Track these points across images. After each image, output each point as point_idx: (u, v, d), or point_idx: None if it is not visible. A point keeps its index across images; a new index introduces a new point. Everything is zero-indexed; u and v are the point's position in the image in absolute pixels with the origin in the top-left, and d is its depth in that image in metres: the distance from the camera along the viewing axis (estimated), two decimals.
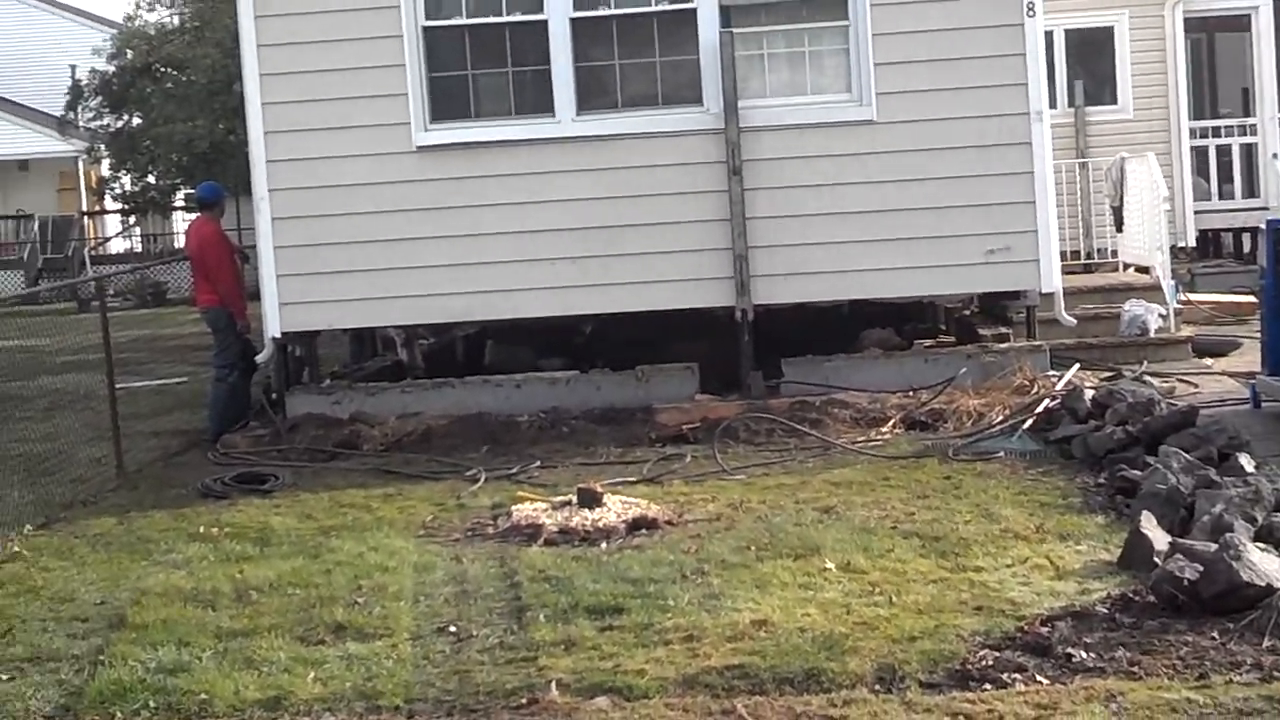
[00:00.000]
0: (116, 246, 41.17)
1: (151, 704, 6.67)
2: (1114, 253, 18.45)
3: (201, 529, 9.91)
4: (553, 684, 6.55)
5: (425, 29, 13.49)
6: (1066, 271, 14.87)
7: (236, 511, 10.49)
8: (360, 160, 13.42)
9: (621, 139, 13.42)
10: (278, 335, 13.57)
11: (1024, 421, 11.51)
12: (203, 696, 6.69)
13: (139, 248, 40.53)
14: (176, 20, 30.10)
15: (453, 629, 7.45)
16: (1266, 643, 6.41)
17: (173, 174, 30.05)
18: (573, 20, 13.41)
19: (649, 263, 13.32)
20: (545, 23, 13.43)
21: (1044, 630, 6.76)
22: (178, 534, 9.84)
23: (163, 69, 29.37)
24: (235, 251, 14.28)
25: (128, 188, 32.33)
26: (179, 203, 33.77)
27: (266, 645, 7.31)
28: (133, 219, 38.61)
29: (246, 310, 13.94)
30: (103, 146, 32.69)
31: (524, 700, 6.42)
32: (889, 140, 13.22)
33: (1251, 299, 16.42)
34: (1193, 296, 17.65)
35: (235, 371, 13.76)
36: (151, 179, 31.08)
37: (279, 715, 6.48)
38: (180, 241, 31.13)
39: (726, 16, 13.34)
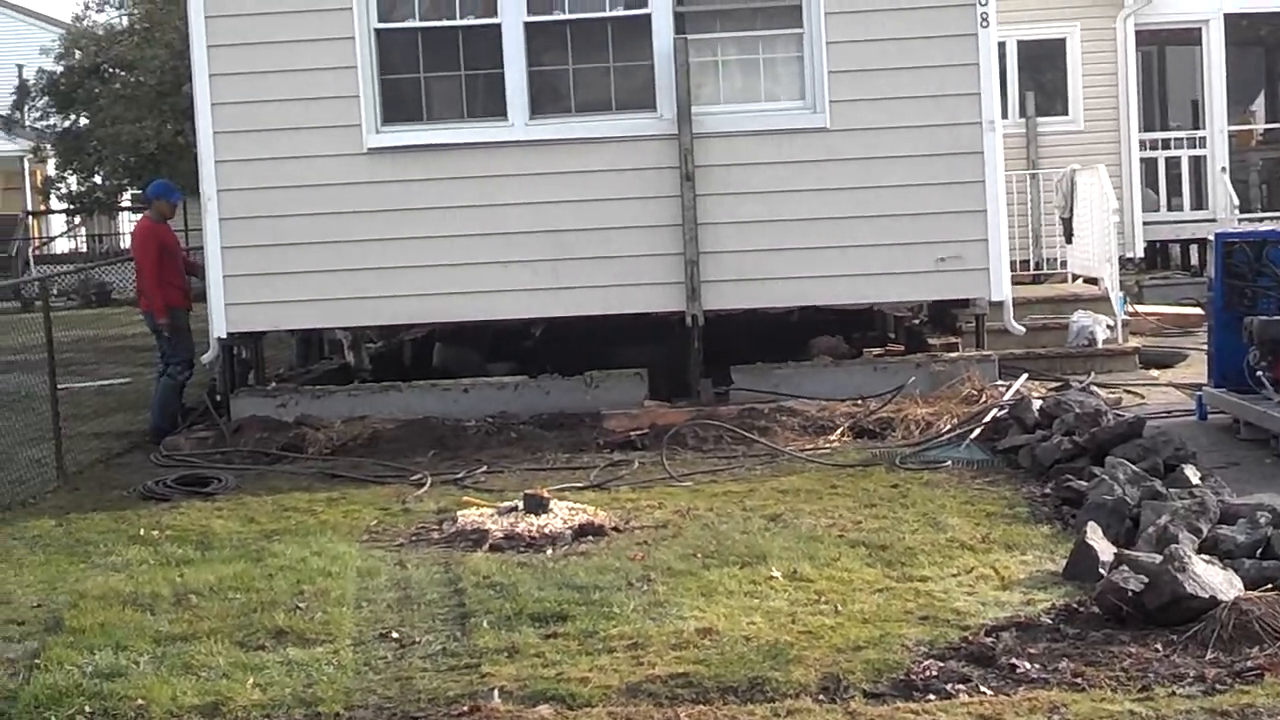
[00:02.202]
0: (61, 246, 40.82)
1: (88, 709, 6.56)
2: (1063, 263, 18.53)
3: (142, 531, 9.80)
4: (495, 692, 6.49)
5: (378, 31, 13.43)
6: (1016, 282, 14.93)
7: (178, 514, 10.38)
8: (310, 161, 13.34)
9: (574, 144, 13.38)
10: (223, 336, 13.47)
11: (971, 431, 11.52)
12: (140, 702, 6.59)
13: (84, 248, 40.20)
14: (126, 21, 29.93)
15: (395, 635, 7.37)
16: (1210, 654, 6.40)
17: (119, 174, 29.87)
18: (527, 24, 13.37)
19: (600, 267, 13.29)
20: (499, 26, 13.39)
21: (988, 640, 6.74)
22: (118, 536, 9.72)
23: (111, 70, 29.19)
24: (162, 250, 13.95)
25: (74, 188, 32.11)
26: (125, 203, 33.54)
27: (206, 650, 7.22)
28: (78, 219, 38.31)
29: (163, 309, 13.64)
30: (49, 146, 32.44)
31: (466, 708, 6.35)
32: (842, 148, 13.22)
33: (1198, 311, 16.54)
34: (1140, 308, 17.75)
35: (188, 370, 13.65)
36: (98, 179, 30.88)
37: None
38: (126, 242, 30.92)
39: (681, 23, 13.32)
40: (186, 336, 13.79)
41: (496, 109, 13.46)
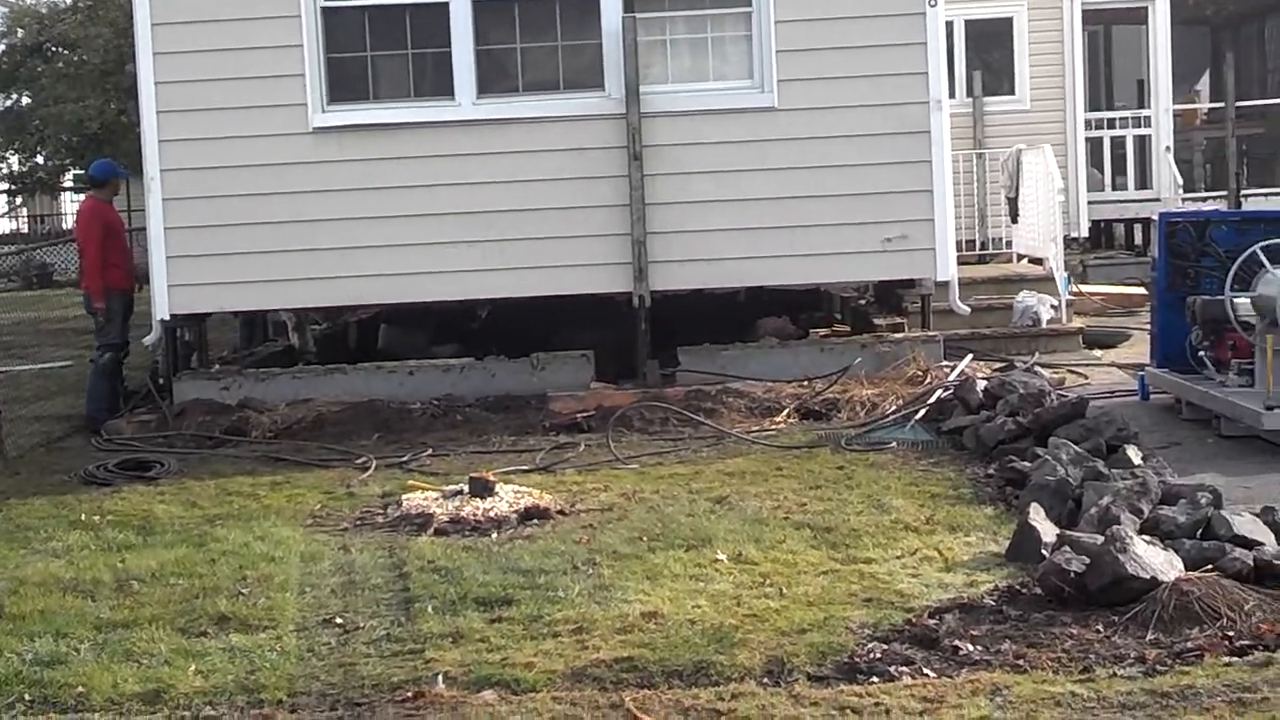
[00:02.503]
0: (2, 227, 40.42)
1: (27, 697, 6.49)
2: (1009, 243, 18.60)
3: (83, 517, 9.71)
4: (439, 677, 6.46)
5: (324, 9, 13.35)
6: (961, 262, 14.97)
7: (120, 499, 10.29)
8: (255, 141, 13.24)
9: (522, 123, 13.34)
10: (166, 318, 13.37)
11: (917, 412, 11.55)
12: (80, 689, 6.52)
13: (25, 229, 39.81)
14: (69, 0, 29.59)
15: (339, 621, 7.32)
16: (1150, 635, 6.44)
17: (62, 154, 29.61)
18: (474, 3, 13.30)
19: (548, 247, 13.25)
20: (446, 5, 13.32)
21: (932, 623, 6.76)
22: (58, 522, 9.62)
23: (54, 48, 28.89)
24: (107, 231, 13.75)
25: (15, 168, 31.78)
26: (67, 183, 33.25)
27: (147, 637, 7.15)
28: (19, 199, 37.91)
29: (101, 292, 13.50)
30: None
31: (410, 694, 6.31)
32: (789, 127, 13.23)
33: (1142, 291, 16.63)
34: (1084, 288, 17.85)
35: (116, 354, 13.51)
36: (40, 159, 30.59)
37: (158, 709, 6.33)
38: (68, 223, 30.63)
39: (629, 1, 13.26)
40: (119, 320, 13.59)
41: (444, 88, 13.40)
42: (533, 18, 13.42)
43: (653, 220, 13.17)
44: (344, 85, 13.44)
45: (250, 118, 13.21)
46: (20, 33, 29.28)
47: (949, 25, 17.57)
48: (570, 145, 13.29)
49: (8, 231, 39.79)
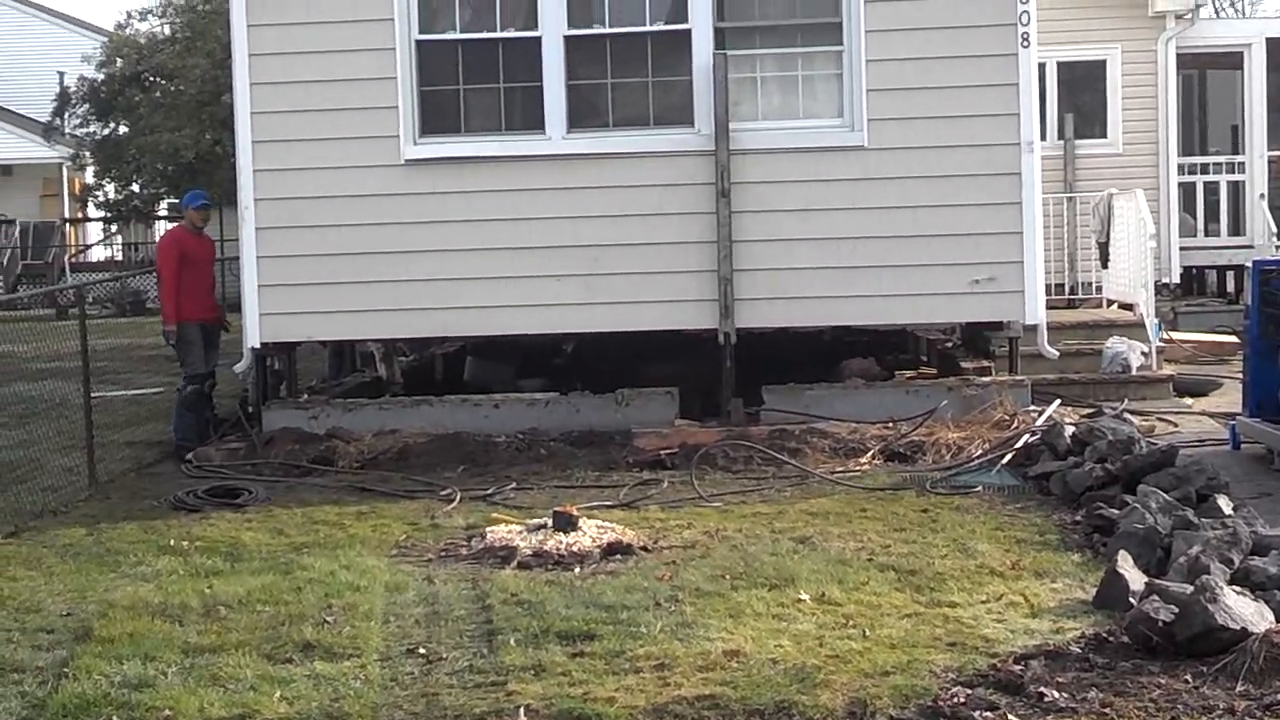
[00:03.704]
0: (97, 254, 41.01)
1: (115, 719, 6.57)
2: (1098, 288, 18.43)
3: (172, 542, 9.83)
4: (521, 710, 6.48)
5: (418, 42, 13.47)
6: (1050, 306, 14.84)
7: (208, 525, 10.40)
8: (348, 172, 13.37)
9: (611, 158, 13.39)
10: (256, 346, 13.50)
11: (1003, 456, 11.47)
12: (167, 713, 6.60)
13: (120, 256, 40.37)
14: (167, 30, 30.01)
15: (422, 651, 7.37)
16: (1240, 687, 6.36)
17: (157, 183, 29.95)
18: (566, 38, 13.39)
19: (634, 283, 13.29)
20: (539, 40, 13.40)
21: (1017, 668, 6.70)
22: (148, 546, 9.75)
23: (152, 78, 29.29)
24: (184, 260, 13.72)
25: (111, 195, 32.21)
26: (162, 212, 33.68)
27: (234, 662, 7.23)
28: (114, 227, 38.48)
29: (172, 317, 13.59)
30: (88, 154, 32.56)
31: None
32: (878, 167, 13.20)
33: (1234, 339, 16.44)
34: (1175, 335, 17.66)
35: (195, 384, 13.59)
36: (135, 187, 30.98)
37: None
38: None
39: (721, 38, 13.31)
40: (196, 351, 13.64)
41: (534, 122, 13.48)
42: (624, 53, 13.49)
43: (739, 257, 13.18)
44: (436, 118, 13.56)
45: (344, 149, 13.35)
46: (119, 62, 29.69)
47: (1041, 67, 17.48)
48: (659, 181, 13.33)
49: (103, 259, 40.39)
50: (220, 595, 8.40)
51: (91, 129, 31.14)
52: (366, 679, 6.97)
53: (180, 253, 13.81)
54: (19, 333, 14.10)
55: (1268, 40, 21.52)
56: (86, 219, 40.22)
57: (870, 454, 11.99)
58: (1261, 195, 21.52)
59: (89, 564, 9.34)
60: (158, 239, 34.64)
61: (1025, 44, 13.05)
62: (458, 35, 13.56)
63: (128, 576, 9.00)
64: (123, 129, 30.07)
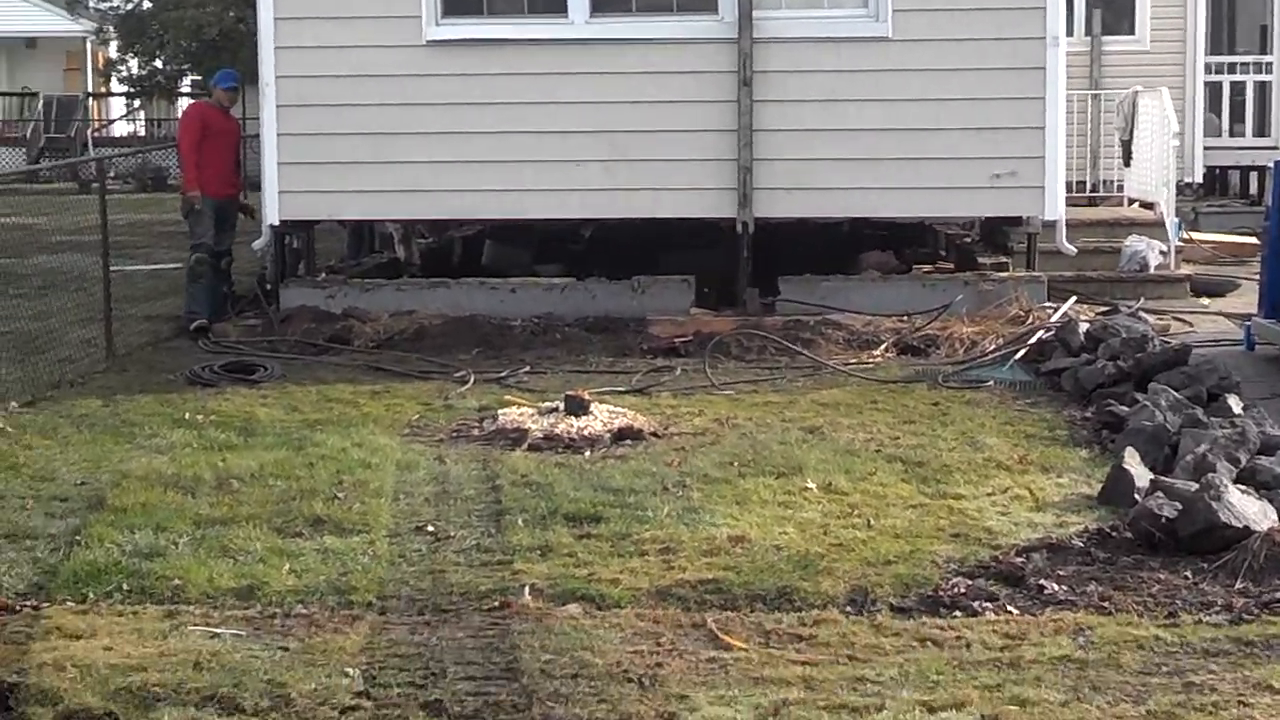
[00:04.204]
0: (120, 130, 40.95)
1: (125, 587, 6.66)
2: (1120, 187, 18.29)
3: (187, 415, 9.91)
4: (526, 589, 6.56)
5: None
6: (1071, 203, 14.77)
7: (223, 400, 10.48)
8: (370, 51, 13.31)
9: (633, 43, 13.31)
10: (275, 223, 13.52)
11: (1016, 352, 11.48)
12: (176, 582, 6.69)
13: (143, 132, 40.31)
14: None
15: (430, 529, 7.45)
16: (1239, 584, 6.41)
17: (180, 59, 29.86)
18: None
19: (654, 169, 13.25)
20: None
21: (1018, 561, 6.76)
22: (163, 419, 9.83)
23: None
24: (205, 132, 13.69)
25: (134, 71, 32.11)
26: (185, 88, 33.57)
27: (244, 535, 7.31)
28: (137, 103, 38.36)
29: (191, 185, 13.55)
30: (112, 28, 32.42)
31: (496, 603, 6.41)
32: (902, 58, 13.11)
33: (1254, 240, 16.35)
34: (1195, 235, 17.57)
35: (207, 254, 13.49)
36: (159, 63, 30.87)
37: (251, 604, 6.48)
38: None
39: None
40: (207, 222, 13.54)
41: (558, 5, 13.38)
42: None
43: (760, 146, 13.13)
44: None
45: (366, 28, 13.28)
46: None
47: None
48: (681, 68, 13.25)
49: (126, 134, 40.31)
50: (233, 469, 8.48)
51: (115, 3, 30.99)
52: (374, 555, 7.06)
53: (202, 126, 13.80)
54: (40, 205, 14.16)
55: None
56: (110, 94, 40.13)
57: (884, 347, 12.01)
58: None
59: (104, 435, 9.43)
60: (180, 114, 34.63)
61: None
62: None
63: (142, 448, 9.09)
64: (147, 4, 29.92)
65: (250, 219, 14.11)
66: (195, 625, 6.21)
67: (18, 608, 6.44)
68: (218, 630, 6.16)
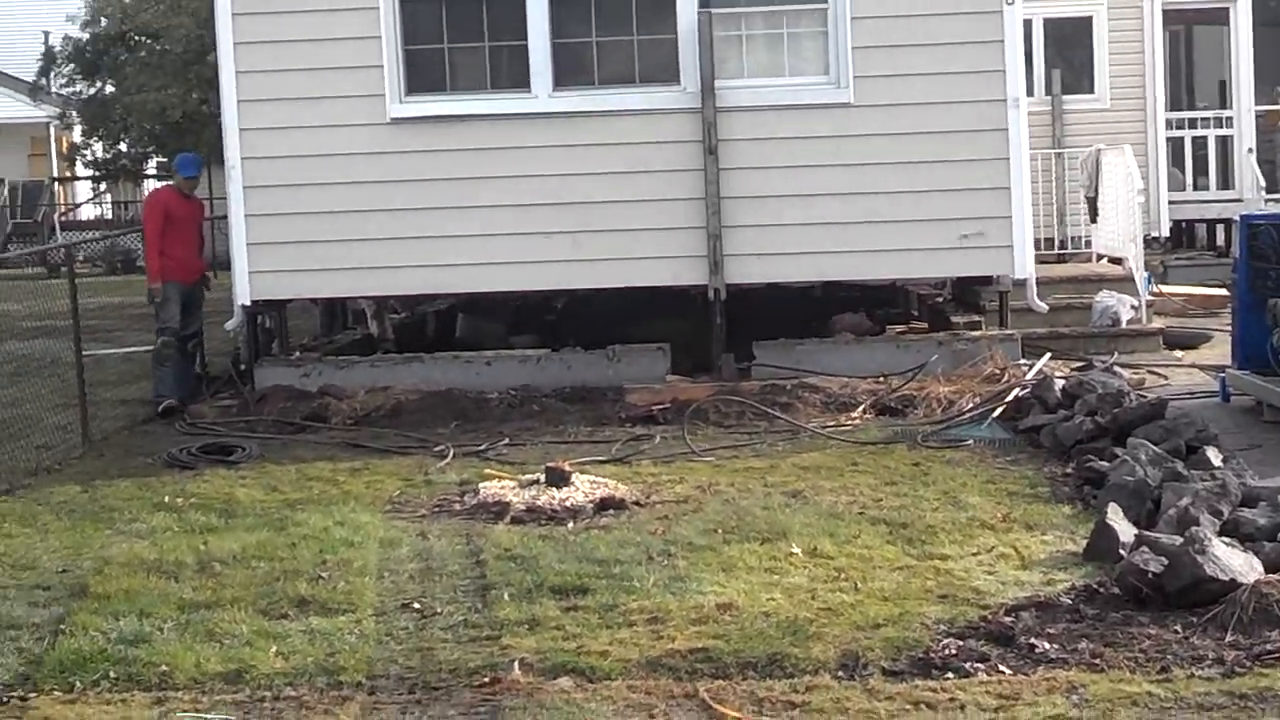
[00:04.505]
0: (87, 213, 40.90)
1: (112, 674, 6.62)
2: (1088, 242, 18.46)
3: (166, 499, 9.86)
4: (516, 663, 6.53)
5: (402, 1, 13.41)
6: (1040, 260, 14.89)
7: (202, 482, 10.43)
8: (334, 130, 13.35)
9: (598, 116, 13.38)
10: (247, 304, 13.50)
11: (994, 410, 11.51)
12: (164, 668, 6.64)
13: (109, 215, 40.27)
14: None
15: (417, 606, 7.41)
16: (1229, 637, 6.41)
17: (144, 142, 29.86)
18: None
19: (623, 239, 13.30)
20: None
21: (1008, 620, 6.76)
22: (142, 503, 9.78)
23: (137, 37, 29.14)
24: (168, 219, 13.66)
25: (99, 155, 32.10)
26: (150, 170, 33.58)
27: (229, 618, 7.27)
28: (103, 186, 38.35)
29: (156, 275, 13.54)
30: (75, 113, 32.45)
31: (486, 679, 6.39)
32: (865, 123, 13.21)
33: (1224, 292, 16.47)
34: (1165, 288, 17.69)
35: (172, 339, 13.47)
36: (123, 146, 30.88)
37: (240, 688, 6.44)
38: None
39: None
40: (172, 307, 13.49)
41: (520, 80, 13.46)
42: (609, 11, 13.45)
43: (728, 214, 13.19)
44: (422, 76, 13.53)
45: (329, 108, 13.33)
46: (104, 22, 29.54)
47: (1027, 23, 17.47)
48: (645, 139, 13.32)
49: (92, 218, 40.27)
50: (215, 551, 8.43)
51: (78, 88, 31.02)
52: (361, 634, 7.02)
53: (165, 213, 13.78)
54: (9, 291, 14.12)
55: None
56: (75, 178, 40.08)
57: (861, 408, 12.03)
58: (1250, 149, 21.53)
59: (84, 521, 9.37)
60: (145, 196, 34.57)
61: (1010, 1, 13.04)
62: None
63: (123, 533, 9.04)
64: (109, 88, 29.96)
65: (207, 290, 14.13)
66: (184, 711, 6.18)
67: (5, 699, 6.39)
68: (207, 716, 6.12)
